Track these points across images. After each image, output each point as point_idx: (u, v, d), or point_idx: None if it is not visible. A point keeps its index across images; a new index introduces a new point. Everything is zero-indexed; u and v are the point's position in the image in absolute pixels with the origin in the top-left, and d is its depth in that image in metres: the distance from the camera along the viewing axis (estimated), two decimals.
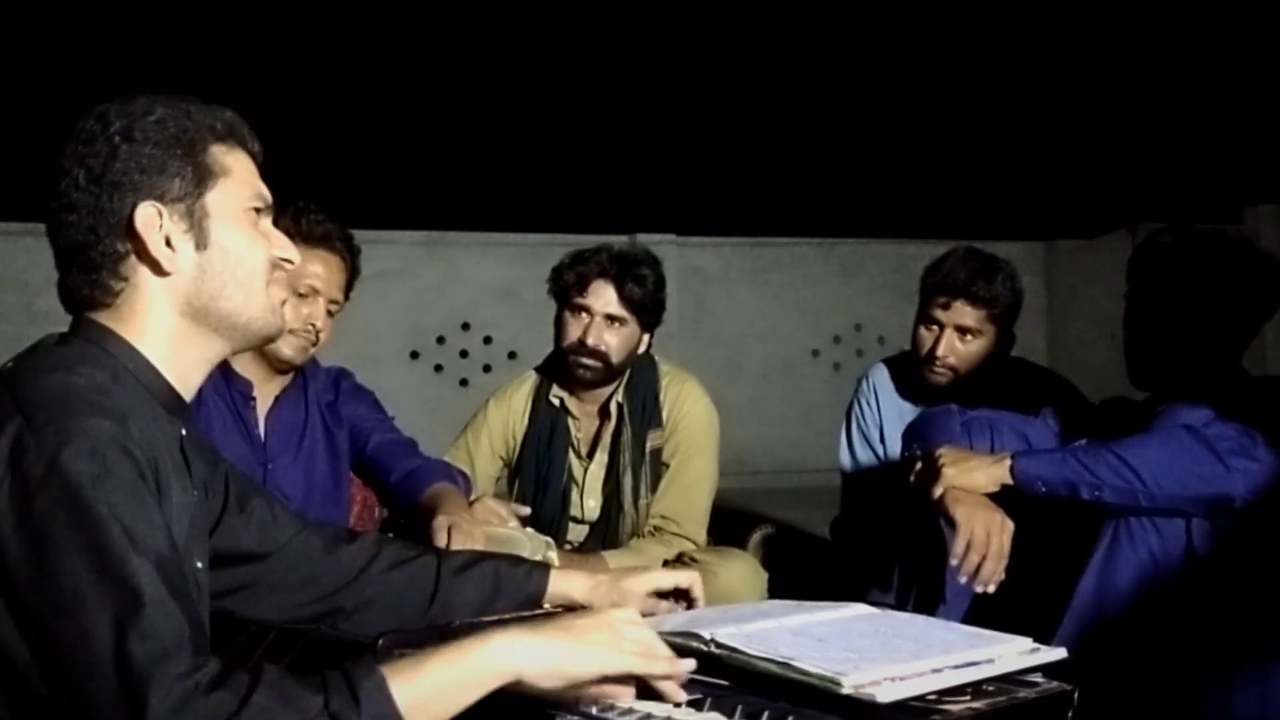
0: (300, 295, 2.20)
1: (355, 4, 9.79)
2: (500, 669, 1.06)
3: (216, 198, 1.23)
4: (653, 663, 1.12)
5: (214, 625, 1.33)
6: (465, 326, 6.97)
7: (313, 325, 2.22)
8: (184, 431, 1.28)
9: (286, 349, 2.20)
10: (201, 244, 1.22)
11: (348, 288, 2.31)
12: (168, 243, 1.20)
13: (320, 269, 2.22)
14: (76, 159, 1.19)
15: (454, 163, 9.64)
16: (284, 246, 1.30)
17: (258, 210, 1.27)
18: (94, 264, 1.20)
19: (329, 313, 2.27)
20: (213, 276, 1.22)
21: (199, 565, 1.27)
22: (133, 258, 1.20)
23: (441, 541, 1.90)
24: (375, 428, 2.36)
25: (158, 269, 1.20)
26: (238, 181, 1.25)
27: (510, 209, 8.13)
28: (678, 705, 1.12)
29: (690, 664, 1.15)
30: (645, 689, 1.13)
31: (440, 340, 6.93)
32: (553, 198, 8.72)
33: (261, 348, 2.02)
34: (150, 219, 1.19)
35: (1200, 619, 1.76)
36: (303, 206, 2.22)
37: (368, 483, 2.40)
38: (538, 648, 1.08)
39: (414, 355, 6.88)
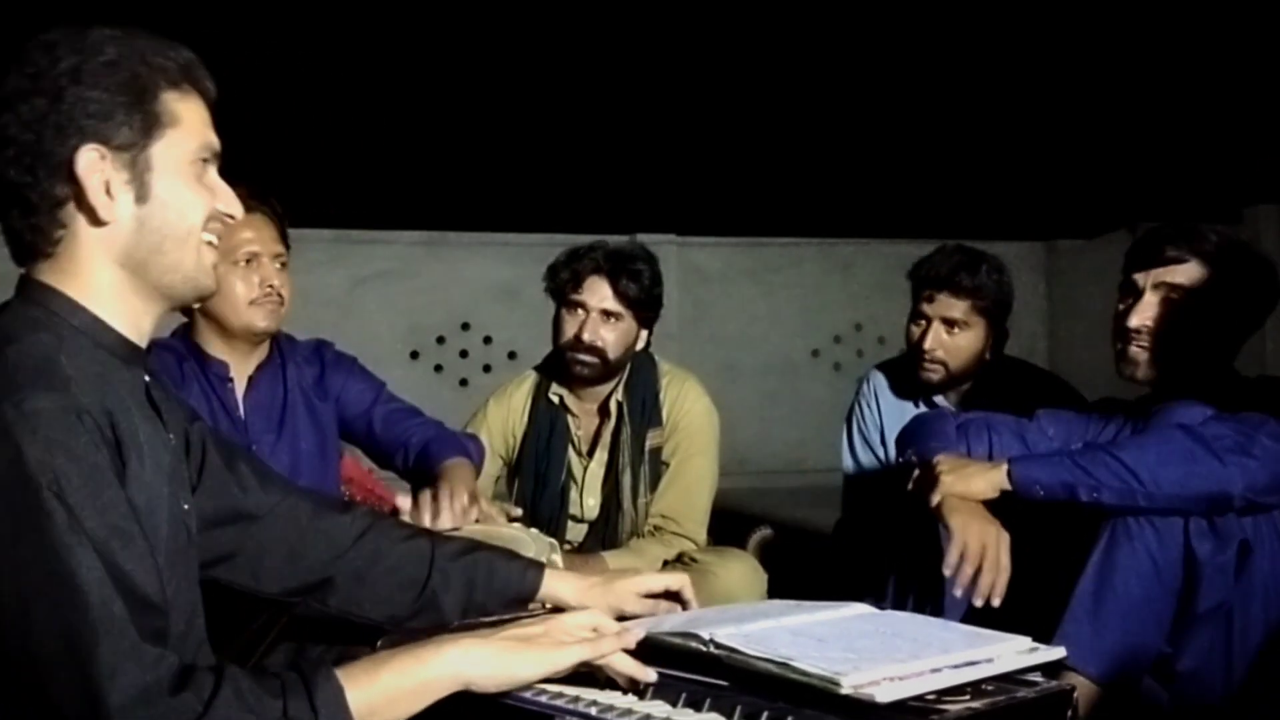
0: (246, 263, 2.15)
1: (355, 4, 9.78)
2: (451, 678, 1.09)
3: (162, 149, 1.18)
4: (599, 644, 1.14)
5: (220, 605, 1.33)
6: (465, 326, 6.96)
7: (271, 286, 2.18)
8: (147, 379, 1.24)
9: (259, 320, 2.18)
10: (142, 197, 1.18)
11: (283, 236, 2.26)
12: (107, 190, 1.16)
13: (249, 232, 2.15)
14: (20, 95, 1.14)
15: (453, 163, 9.63)
16: (228, 201, 1.25)
17: (204, 161, 1.23)
18: (32, 206, 1.16)
19: (281, 267, 2.21)
20: (151, 231, 1.19)
21: (185, 507, 1.25)
22: (71, 204, 1.16)
23: (425, 517, 1.92)
24: (373, 401, 2.34)
25: (94, 218, 1.16)
26: (186, 132, 1.20)
27: (510, 209, 8.12)
28: (635, 690, 1.14)
29: (640, 633, 1.18)
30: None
31: (440, 340, 6.93)
32: (553, 198, 8.70)
33: (208, 311, 2.11)
34: (92, 164, 1.15)
35: (1196, 616, 1.76)
36: None
37: (382, 465, 2.39)
38: (487, 657, 1.11)
39: (414, 355, 6.87)
